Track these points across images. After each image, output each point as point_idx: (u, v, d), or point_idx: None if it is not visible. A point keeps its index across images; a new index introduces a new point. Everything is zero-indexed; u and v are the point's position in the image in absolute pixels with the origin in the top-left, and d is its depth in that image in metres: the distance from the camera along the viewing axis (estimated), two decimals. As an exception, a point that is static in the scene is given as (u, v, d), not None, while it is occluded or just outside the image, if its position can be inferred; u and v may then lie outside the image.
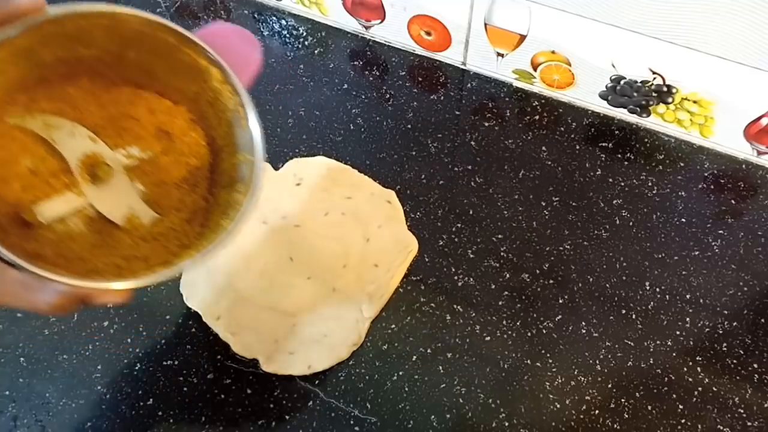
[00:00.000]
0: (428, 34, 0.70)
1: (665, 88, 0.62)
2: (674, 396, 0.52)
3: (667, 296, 0.57)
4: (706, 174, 0.64)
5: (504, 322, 0.56)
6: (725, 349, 0.54)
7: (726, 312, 0.56)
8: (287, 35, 0.75)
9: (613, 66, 0.62)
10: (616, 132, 0.66)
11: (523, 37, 0.64)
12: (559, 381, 0.53)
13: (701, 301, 0.56)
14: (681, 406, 0.52)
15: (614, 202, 0.62)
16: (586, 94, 0.67)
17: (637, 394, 0.52)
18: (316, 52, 0.73)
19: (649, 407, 0.52)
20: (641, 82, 0.62)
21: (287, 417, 0.52)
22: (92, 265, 0.41)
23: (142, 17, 0.41)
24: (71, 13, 0.38)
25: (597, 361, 0.54)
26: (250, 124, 0.45)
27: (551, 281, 0.58)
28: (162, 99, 0.46)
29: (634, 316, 0.56)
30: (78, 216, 0.43)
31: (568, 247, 0.59)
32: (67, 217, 0.42)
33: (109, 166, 0.43)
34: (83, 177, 0.43)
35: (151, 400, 0.53)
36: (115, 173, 0.44)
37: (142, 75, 0.45)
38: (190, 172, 0.47)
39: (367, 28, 0.73)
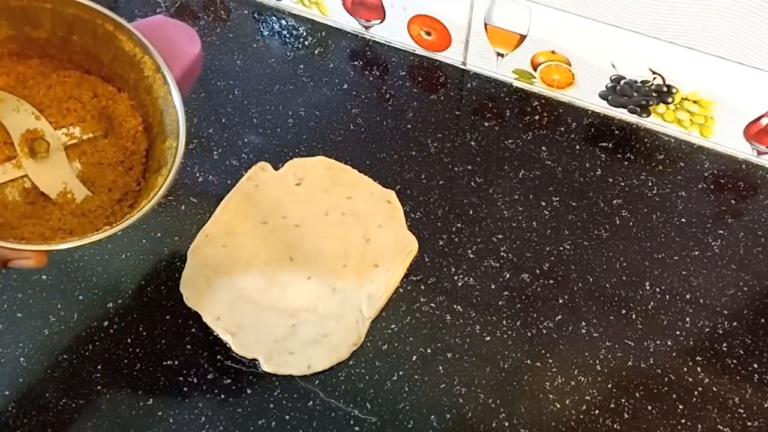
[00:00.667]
0: (428, 34, 0.70)
1: (665, 88, 0.62)
2: (674, 396, 0.52)
3: (667, 296, 0.57)
4: (706, 174, 0.64)
5: (504, 322, 0.56)
6: (725, 349, 0.54)
7: (726, 312, 0.56)
8: (287, 35, 0.75)
9: (613, 66, 0.62)
10: (616, 132, 0.66)
11: (523, 37, 0.64)
12: (559, 381, 0.53)
13: (701, 301, 0.56)
14: (681, 406, 0.52)
15: (614, 202, 0.62)
16: (586, 94, 0.67)
17: (637, 394, 0.52)
18: (316, 52, 0.73)
19: (649, 407, 0.52)
20: (641, 82, 0.62)
21: (287, 417, 0.52)
22: (19, 232, 0.44)
23: (78, 1, 0.44)
24: None
25: (597, 361, 0.54)
26: (177, 111, 0.47)
27: (551, 281, 0.58)
28: (106, 84, 0.50)
29: (634, 316, 0.56)
30: (14, 186, 0.46)
31: (568, 247, 0.59)
32: (3, 186, 0.46)
33: (48, 142, 0.46)
34: (23, 151, 0.46)
35: (151, 400, 0.53)
36: (54, 150, 0.47)
37: (89, 60, 0.49)
38: (126, 155, 0.50)
39: (367, 28, 0.73)
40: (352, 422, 0.52)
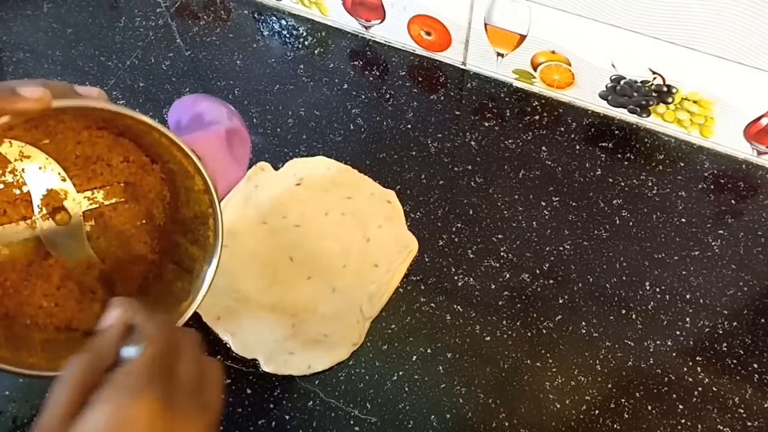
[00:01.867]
0: (428, 34, 0.70)
1: (665, 88, 0.62)
2: (674, 396, 0.52)
3: (667, 296, 0.57)
4: (706, 174, 0.64)
5: (504, 322, 0.56)
6: (725, 349, 0.54)
7: (726, 312, 0.56)
8: (287, 35, 0.75)
9: (613, 66, 0.62)
10: (616, 132, 0.66)
11: (523, 37, 0.64)
12: (559, 381, 0.53)
13: (701, 301, 0.56)
14: (681, 406, 0.52)
15: (614, 202, 0.62)
16: (586, 94, 0.67)
17: (637, 394, 0.52)
18: (316, 52, 0.73)
19: (649, 407, 0.52)
20: (641, 82, 0.62)
21: (287, 417, 0.52)
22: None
23: (138, 119, 0.40)
24: (72, 107, 0.37)
25: (597, 361, 0.54)
26: (216, 238, 0.45)
27: (551, 281, 0.58)
28: (140, 151, 0.46)
29: (634, 316, 0.56)
30: (24, 243, 0.43)
31: (568, 247, 0.59)
32: (13, 244, 0.43)
33: (70, 215, 0.44)
34: (41, 211, 0.43)
35: (151, 400, 0.53)
36: (74, 218, 0.44)
37: (130, 133, 0.45)
38: (143, 226, 0.48)
39: (367, 28, 0.73)
40: (352, 422, 0.52)
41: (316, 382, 0.53)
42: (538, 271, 0.58)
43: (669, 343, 0.55)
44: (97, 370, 0.32)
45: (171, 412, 0.32)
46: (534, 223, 0.61)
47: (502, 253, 0.59)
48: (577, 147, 0.65)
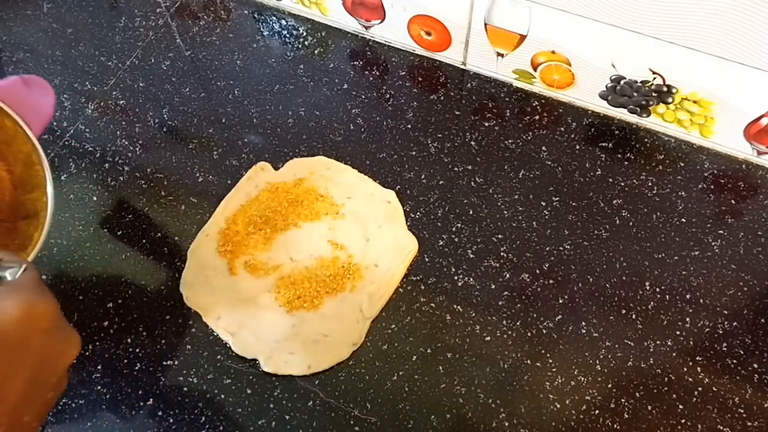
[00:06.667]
0: (428, 34, 0.70)
1: (665, 88, 0.62)
2: (674, 396, 0.52)
3: (667, 296, 0.57)
4: (706, 174, 0.64)
5: (504, 322, 0.56)
6: (725, 349, 0.54)
7: (726, 312, 0.56)
8: (287, 35, 0.75)
9: (613, 66, 0.62)
10: (616, 132, 0.66)
11: (523, 37, 0.64)
12: (559, 381, 0.53)
13: (701, 301, 0.56)
14: (681, 406, 0.52)
15: (614, 202, 0.62)
16: (586, 94, 0.67)
17: (637, 394, 0.52)
18: (316, 52, 0.73)
19: (649, 407, 0.52)
20: (641, 82, 0.62)
21: (287, 417, 0.52)
22: None
23: None
24: None
25: (597, 361, 0.54)
26: (43, 166, 0.49)
27: (551, 281, 0.58)
28: None
29: (634, 316, 0.56)
30: None
31: (568, 247, 0.59)
32: None
33: None
34: None
35: (151, 400, 0.53)
36: None
37: None
38: None
39: (367, 28, 0.73)
40: (352, 422, 0.52)
41: (316, 382, 0.53)
42: (538, 271, 0.58)
43: (669, 343, 0.55)
44: None
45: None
46: (534, 223, 0.61)
47: (502, 253, 0.59)
48: (577, 147, 0.65)
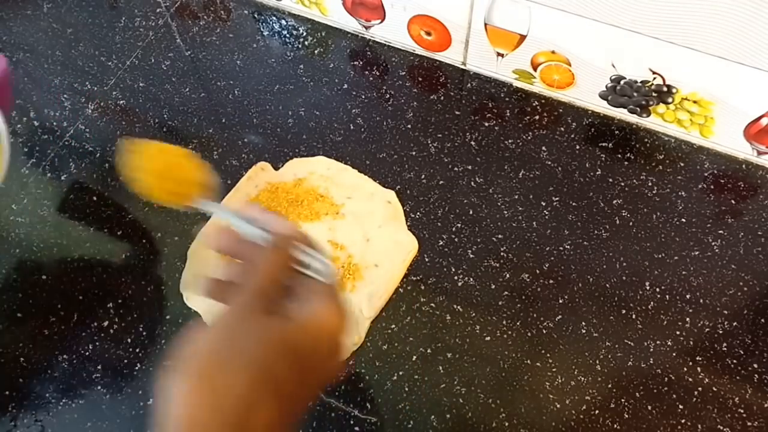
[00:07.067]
0: (428, 34, 0.70)
1: (665, 88, 0.62)
2: (674, 396, 0.52)
3: (667, 296, 0.57)
4: (706, 174, 0.64)
5: (504, 322, 0.56)
6: (725, 349, 0.54)
7: (726, 312, 0.56)
8: (287, 35, 0.75)
9: (613, 66, 0.62)
10: (616, 132, 0.66)
11: (523, 37, 0.64)
12: (559, 381, 0.53)
13: (701, 301, 0.56)
14: (681, 406, 0.52)
15: (614, 202, 0.62)
16: (586, 94, 0.67)
17: (637, 394, 0.52)
18: (316, 52, 0.73)
19: (649, 407, 0.52)
20: (641, 82, 0.62)
21: (287, 417, 0.52)
22: None
23: None
24: None
25: (597, 361, 0.54)
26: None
27: (551, 281, 0.58)
28: None
29: (634, 316, 0.56)
30: None
31: (568, 247, 0.59)
32: None
33: None
34: None
35: (151, 400, 0.53)
36: None
37: None
38: None
39: (367, 28, 0.73)
40: (352, 422, 0.52)
41: (316, 382, 0.53)
42: (538, 271, 0.58)
43: (669, 343, 0.55)
44: (284, 272, 0.39)
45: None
46: (534, 223, 0.61)
47: (502, 253, 0.59)
48: (577, 147, 0.65)
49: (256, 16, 0.76)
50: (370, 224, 0.60)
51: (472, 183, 0.63)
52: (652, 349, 0.54)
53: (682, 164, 0.64)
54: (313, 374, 0.36)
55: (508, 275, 0.58)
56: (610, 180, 0.63)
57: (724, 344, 0.54)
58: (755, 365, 0.53)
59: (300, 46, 0.74)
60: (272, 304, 0.37)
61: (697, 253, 0.59)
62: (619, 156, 0.65)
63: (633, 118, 0.67)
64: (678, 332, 0.55)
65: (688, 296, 0.57)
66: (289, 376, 0.34)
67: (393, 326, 0.56)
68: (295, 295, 0.38)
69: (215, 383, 0.32)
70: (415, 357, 0.54)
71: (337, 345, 0.38)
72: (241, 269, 0.39)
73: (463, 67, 0.71)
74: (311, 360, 0.35)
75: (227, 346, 0.33)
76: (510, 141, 0.66)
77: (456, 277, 0.58)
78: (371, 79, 0.71)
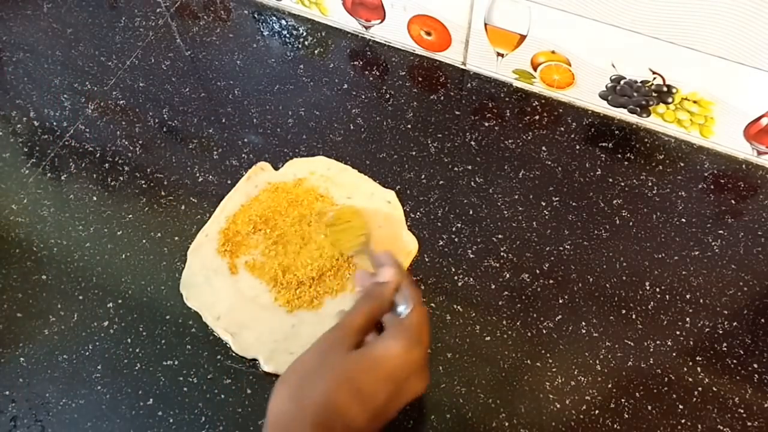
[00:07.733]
0: (428, 34, 0.70)
1: (665, 88, 0.62)
2: (674, 396, 0.52)
3: (667, 296, 0.57)
4: (706, 174, 0.64)
5: (504, 322, 0.56)
6: (725, 349, 0.54)
7: (726, 312, 0.56)
8: (287, 35, 0.75)
9: (613, 66, 0.62)
10: (616, 132, 0.66)
11: (523, 37, 0.64)
12: (559, 381, 0.53)
13: (701, 301, 0.56)
14: (681, 406, 0.52)
15: (614, 202, 0.62)
16: (586, 94, 0.67)
17: (637, 394, 0.52)
18: (316, 52, 0.73)
19: (649, 407, 0.52)
20: (641, 82, 0.62)
21: (287, 417, 0.52)
22: None
23: None
24: None
25: (597, 361, 0.54)
26: None
27: (551, 281, 0.58)
28: None
29: (634, 316, 0.56)
30: None
31: (568, 247, 0.59)
32: None
33: None
34: None
35: (151, 400, 0.53)
36: None
37: None
38: None
39: (367, 28, 0.73)
40: (352, 422, 0.52)
41: (316, 382, 0.53)
42: (538, 271, 0.58)
43: (669, 343, 0.55)
44: (379, 312, 0.46)
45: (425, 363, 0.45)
46: (534, 223, 0.61)
47: (502, 253, 0.59)
48: (577, 147, 0.65)
49: (256, 16, 0.76)
50: (370, 224, 0.60)
51: (472, 183, 0.63)
52: (652, 349, 0.54)
53: (682, 164, 0.64)
54: (386, 394, 0.43)
55: (508, 275, 0.58)
56: (610, 180, 0.63)
57: (724, 344, 0.54)
58: (755, 365, 0.53)
59: (300, 46, 0.74)
60: (361, 338, 0.45)
61: (697, 253, 0.59)
62: (619, 156, 0.65)
63: (633, 118, 0.67)
64: (678, 332, 0.55)
65: (688, 296, 0.57)
66: (375, 387, 0.42)
67: (393, 326, 0.56)
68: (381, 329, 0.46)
69: (302, 390, 0.42)
70: (415, 357, 0.54)
71: (406, 373, 0.43)
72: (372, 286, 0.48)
73: (463, 67, 0.71)
74: (388, 383, 0.43)
75: (316, 363, 0.43)
76: (510, 141, 0.66)
77: (456, 277, 0.58)
78: (371, 79, 0.71)
